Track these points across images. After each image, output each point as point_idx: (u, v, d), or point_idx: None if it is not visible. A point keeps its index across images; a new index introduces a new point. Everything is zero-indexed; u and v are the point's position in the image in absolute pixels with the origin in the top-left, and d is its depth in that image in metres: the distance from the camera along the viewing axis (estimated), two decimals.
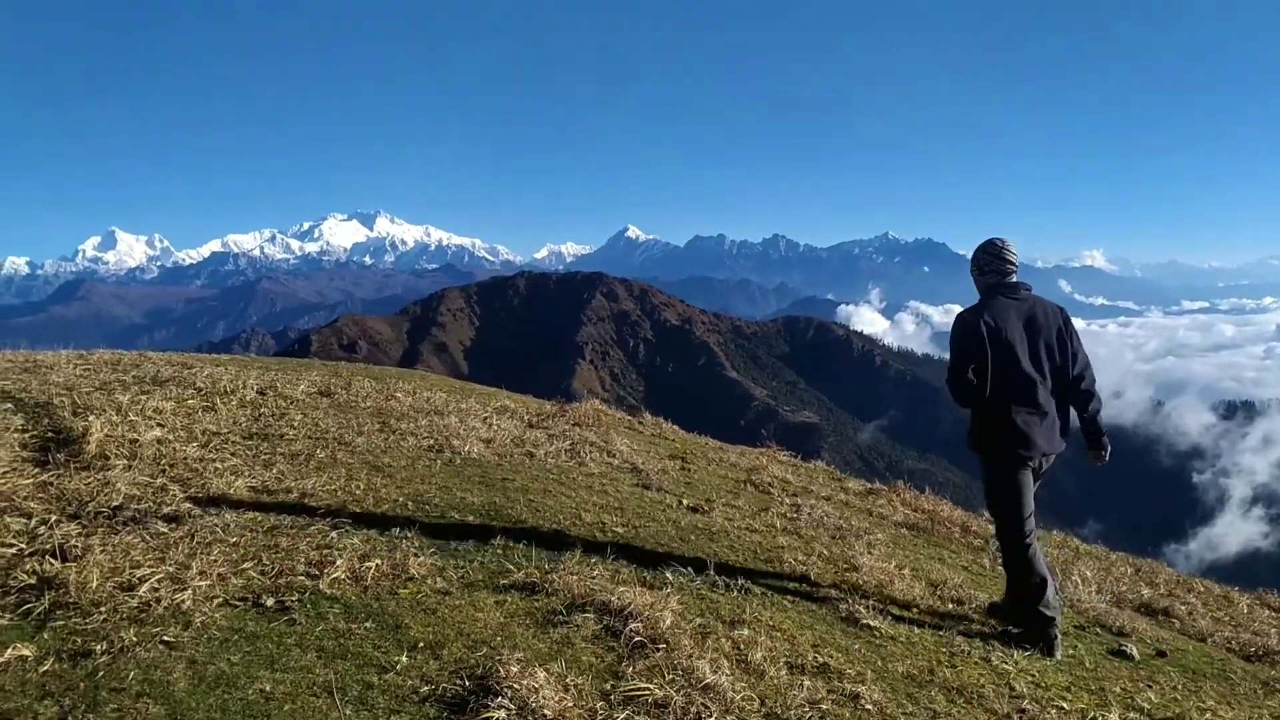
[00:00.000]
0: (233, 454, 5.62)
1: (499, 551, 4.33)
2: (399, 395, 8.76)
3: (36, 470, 4.72)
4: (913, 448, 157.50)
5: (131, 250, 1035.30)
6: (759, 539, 5.62)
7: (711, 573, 4.48)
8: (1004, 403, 4.66)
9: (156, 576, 3.42)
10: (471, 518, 4.88)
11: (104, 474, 4.70)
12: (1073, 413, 4.91)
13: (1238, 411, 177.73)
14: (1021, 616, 4.75)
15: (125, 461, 4.95)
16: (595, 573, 4.05)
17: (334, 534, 4.21)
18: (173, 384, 7.77)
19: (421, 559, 3.97)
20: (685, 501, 6.27)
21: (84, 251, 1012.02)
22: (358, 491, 5.11)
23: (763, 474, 8.43)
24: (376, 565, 3.79)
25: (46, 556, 3.57)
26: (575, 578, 3.89)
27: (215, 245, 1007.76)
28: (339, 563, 3.76)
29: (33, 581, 3.37)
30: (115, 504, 4.25)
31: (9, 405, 6.29)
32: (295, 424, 6.69)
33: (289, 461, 5.60)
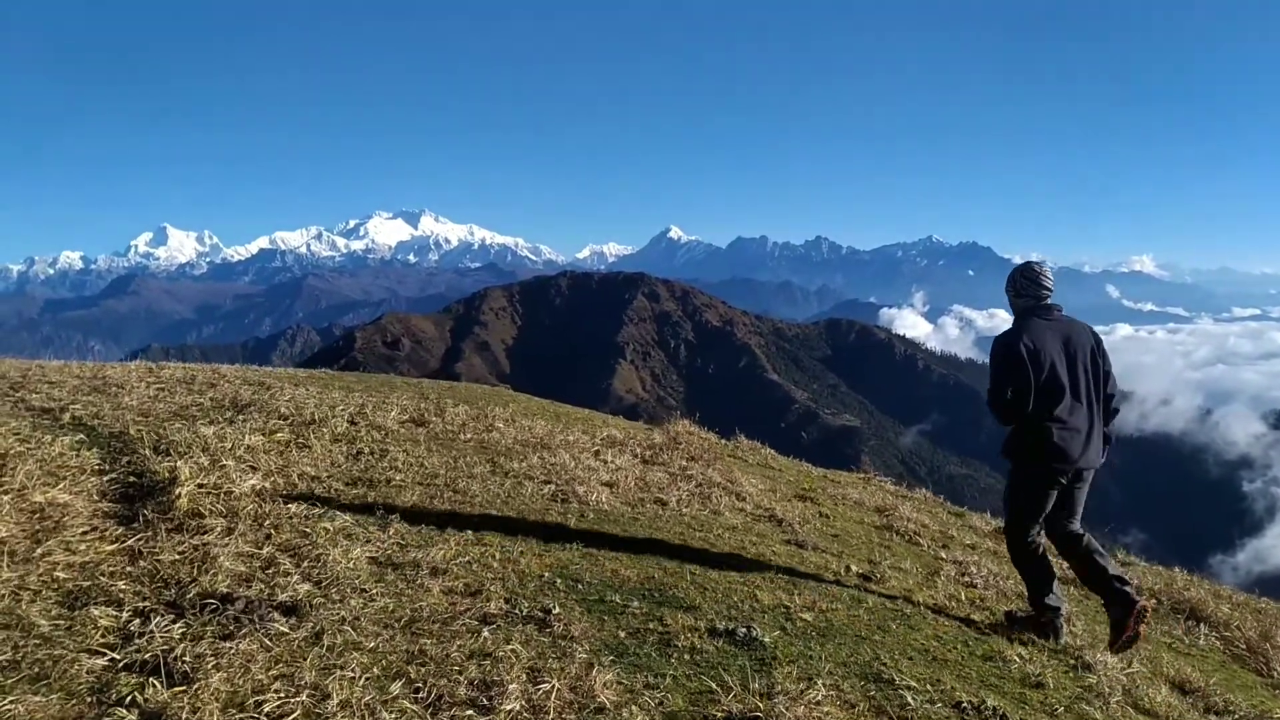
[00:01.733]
0: (339, 508, 4.94)
1: (686, 657, 3.51)
2: (499, 425, 8.11)
3: (121, 530, 4.03)
4: (954, 453, 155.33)
5: (182, 246, 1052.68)
6: (959, 621, 4.81)
7: (949, 687, 3.60)
8: (1043, 420, 4.85)
9: (293, 715, 2.64)
10: (635, 602, 4.09)
11: (201, 539, 4.01)
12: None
13: None
14: (1036, 608, 5.08)
15: (223, 522, 4.25)
16: (819, 695, 3.19)
17: (487, 632, 3.42)
18: (255, 410, 7.16)
19: (605, 675, 3.16)
20: (852, 566, 5.47)
21: (136, 247, 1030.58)
22: (494, 563, 4.38)
23: (898, 517, 7.74)
24: (555, 689, 2.98)
25: (149, 677, 2.81)
26: (803, 709, 3.05)
27: (263, 242, 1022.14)
28: (510, 686, 2.95)
29: (134, 718, 2.61)
30: (222, 589, 3.50)
31: (82, 436, 5.62)
32: (399, 465, 6.05)
33: (405, 518, 4.88)
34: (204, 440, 5.63)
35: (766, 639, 3.74)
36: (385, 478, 5.70)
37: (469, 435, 7.50)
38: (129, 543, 3.90)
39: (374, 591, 3.76)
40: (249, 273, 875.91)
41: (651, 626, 3.82)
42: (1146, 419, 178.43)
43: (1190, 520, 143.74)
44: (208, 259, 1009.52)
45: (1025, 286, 5.08)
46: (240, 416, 6.84)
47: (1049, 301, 5.07)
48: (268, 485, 5.00)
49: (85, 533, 3.95)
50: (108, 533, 4.01)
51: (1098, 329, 5.07)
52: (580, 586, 4.24)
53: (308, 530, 4.39)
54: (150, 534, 4.02)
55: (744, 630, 3.80)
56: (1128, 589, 4.95)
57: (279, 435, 6.32)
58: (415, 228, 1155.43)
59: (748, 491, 7.11)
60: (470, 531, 4.82)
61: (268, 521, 4.40)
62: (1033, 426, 4.89)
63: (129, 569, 3.66)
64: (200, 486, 4.65)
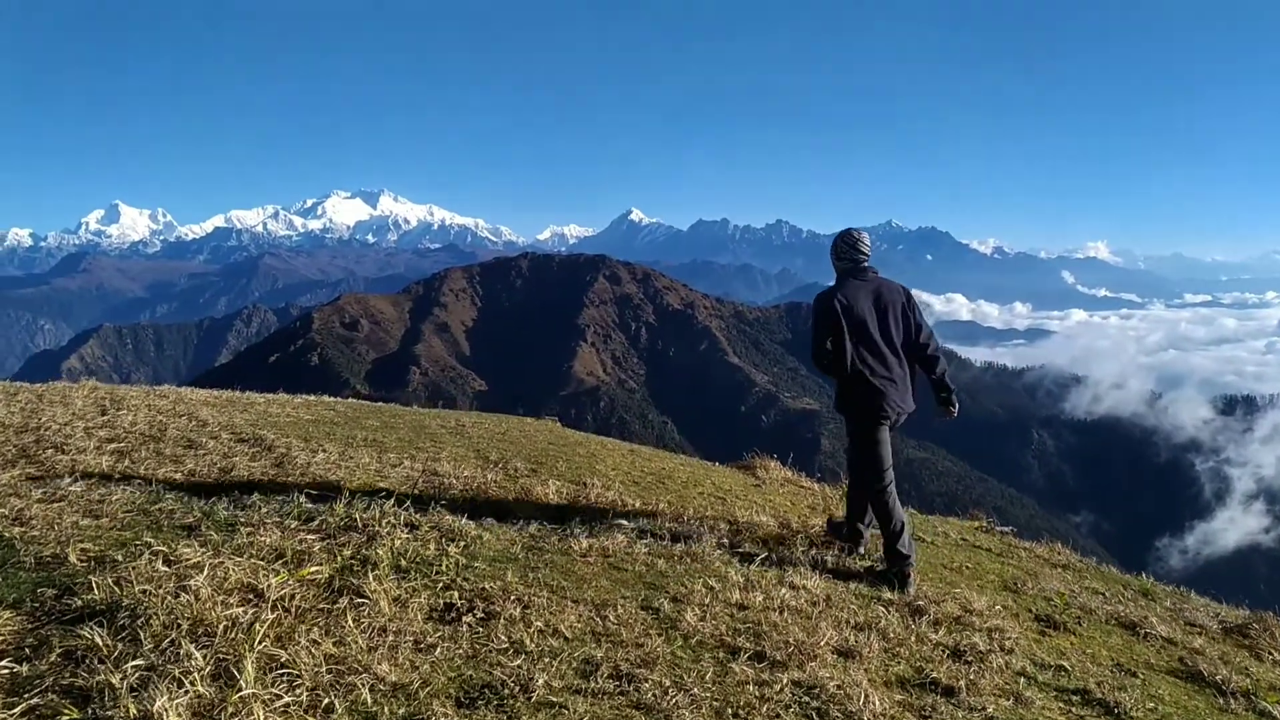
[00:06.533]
0: None
1: None
2: (615, 519, 5.98)
3: None
4: (912, 436, 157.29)
5: (134, 224, 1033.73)
6: None
7: None
8: (861, 370, 5.46)
9: None
10: None
11: None
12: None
13: (1237, 406, 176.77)
14: (889, 558, 5.54)
15: None
16: None
17: None
18: (259, 498, 5.30)
19: None
20: None
21: (87, 224, 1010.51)
22: None
23: (1165, 642, 5.56)
24: None
25: None
26: None
27: (218, 220, 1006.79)
28: None
29: None
30: None
31: (50, 591, 3.63)
32: (523, 640, 3.71)
33: None
34: (194, 603, 3.49)
35: None
36: (515, 676, 3.37)
37: (584, 540, 5.30)
38: None
39: None
40: (203, 251, 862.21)
41: None
42: (1099, 402, 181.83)
43: (1140, 502, 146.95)
44: (161, 237, 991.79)
45: (845, 251, 5.69)
46: (241, 514, 4.94)
47: (865, 265, 5.67)
48: None
49: None
50: None
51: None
52: None
53: None
54: None
55: None
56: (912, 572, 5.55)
57: (313, 570, 4.08)
58: (374, 208, 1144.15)
59: (998, 627, 4.90)
60: None
61: None
62: (853, 377, 5.48)
63: None
64: None
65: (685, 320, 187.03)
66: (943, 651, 4.46)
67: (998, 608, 5.43)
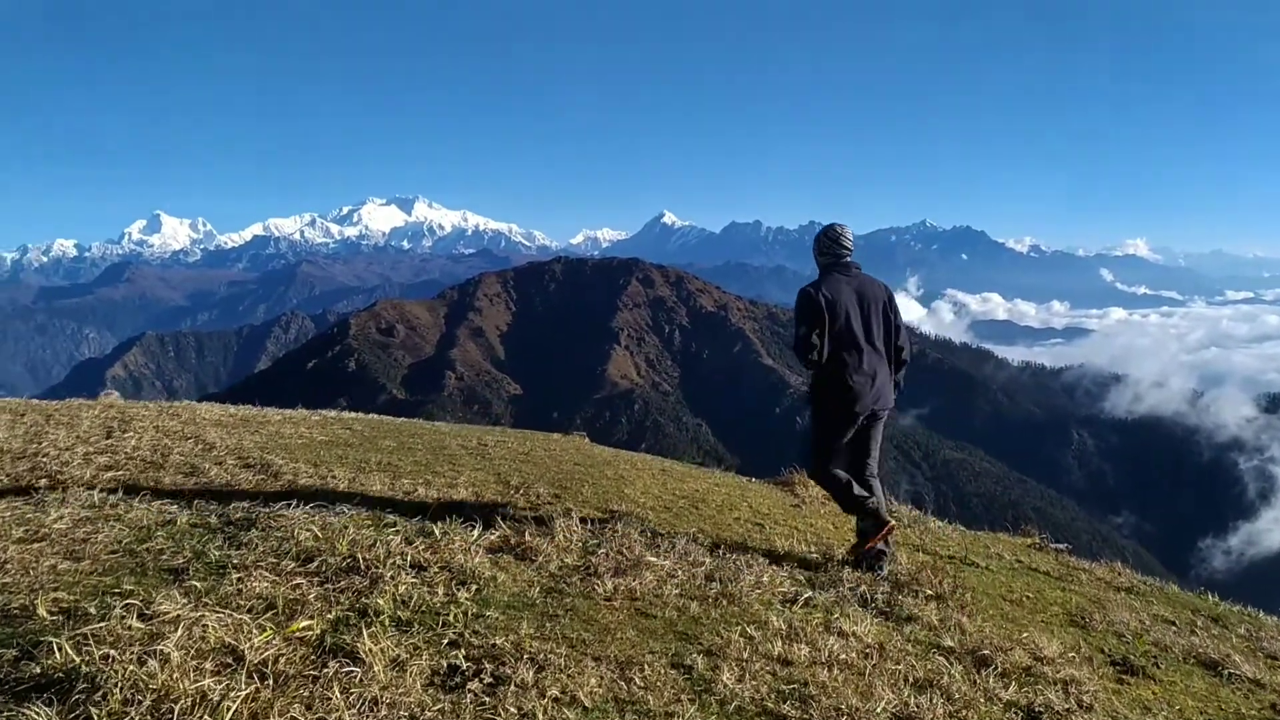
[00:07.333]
0: None
1: None
2: (642, 552, 5.31)
3: None
4: (949, 437, 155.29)
5: (176, 233, 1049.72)
6: None
7: None
8: (840, 364, 5.48)
9: None
10: None
11: None
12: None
13: None
14: (853, 510, 5.72)
15: None
16: None
17: None
18: (258, 533, 4.75)
19: None
20: None
21: (130, 234, 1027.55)
22: None
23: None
24: None
25: None
26: None
27: (257, 229, 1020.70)
28: None
29: None
30: None
31: (10, 653, 3.13)
32: None
33: None
34: (159, 673, 2.97)
35: None
36: None
37: (609, 581, 4.76)
38: None
39: None
40: (243, 259, 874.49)
41: None
42: (1140, 401, 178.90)
43: (1182, 503, 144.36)
44: (201, 246, 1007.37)
45: (828, 246, 5.71)
46: (234, 554, 4.44)
47: (848, 260, 5.70)
48: None
49: None
50: None
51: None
52: None
53: None
54: None
55: None
56: (886, 516, 5.68)
57: (302, 626, 3.65)
58: (409, 214, 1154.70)
59: (1073, 677, 4.42)
60: None
61: None
62: (830, 371, 5.49)
63: None
64: None
65: (719, 322, 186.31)
66: (1016, 714, 3.93)
67: (1070, 653, 4.90)
